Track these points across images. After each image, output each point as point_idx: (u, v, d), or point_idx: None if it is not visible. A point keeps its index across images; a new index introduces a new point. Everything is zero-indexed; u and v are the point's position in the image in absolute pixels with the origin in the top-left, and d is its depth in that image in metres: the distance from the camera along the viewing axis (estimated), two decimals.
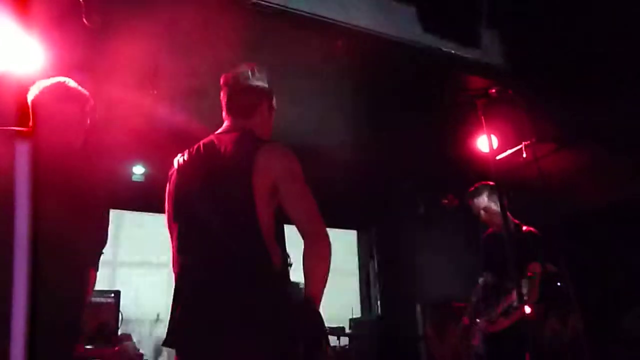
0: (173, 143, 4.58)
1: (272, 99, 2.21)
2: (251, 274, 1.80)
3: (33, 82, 2.36)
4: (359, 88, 4.50)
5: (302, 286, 1.80)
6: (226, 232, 1.86)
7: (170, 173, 2.15)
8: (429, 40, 3.90)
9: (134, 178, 5.70)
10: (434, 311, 6.10)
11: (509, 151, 4.89)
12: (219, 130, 2.15)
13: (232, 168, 1.93)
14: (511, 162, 4.82)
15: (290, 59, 3.81)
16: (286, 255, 1.93)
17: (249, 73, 2.16)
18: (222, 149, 1.99)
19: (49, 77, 2.40)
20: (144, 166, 5.68)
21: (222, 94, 2.19)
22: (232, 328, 1.74)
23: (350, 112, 4.94)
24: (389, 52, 3.92)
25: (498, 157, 4.68)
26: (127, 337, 5.61)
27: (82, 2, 2.81)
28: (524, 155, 4.73)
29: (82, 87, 2.46)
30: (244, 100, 2.13)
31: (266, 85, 2.18)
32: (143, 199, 5.83)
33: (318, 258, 1.81)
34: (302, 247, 1.82)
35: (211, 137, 2.11)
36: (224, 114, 2.17)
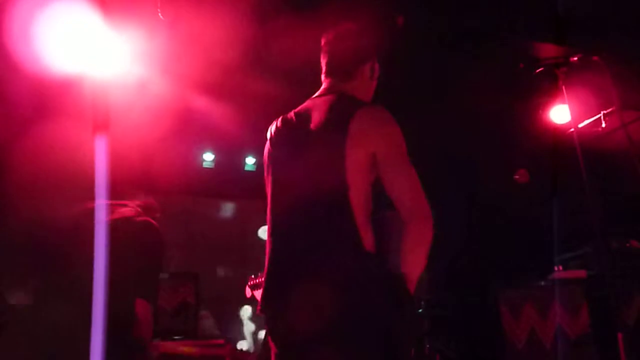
0: (241, 130, 4.73)
1: (375, 60, 1.97)
2: (336, 260, 1.62)
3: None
4: (427, 61, 4.37)
5: None
6: (314, 209, 1.68)
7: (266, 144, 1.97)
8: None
9: (205, 165, 5.87)
10: (509, 292, 5.93)
11: (588, 121, 4.61)
12: (315, 94, 1.95)
13: (324, 135, 1.73)
14: (589, 132, 4.55)
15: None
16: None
17: (351, 32, 1.98)
18: (315, 114, 1.80)
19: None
20: (213, 153, 5.83)
21: (321, 55, 2.00)
22: (310, 318, 1.57)
23: (421, 86, 4.81)
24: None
25: (580, 125, 4.41)
26: (206, 314, 5.86)
27: None
28: (603, 124, 4.45)
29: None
30: (345, 60, 1.93)
31: (370, 45, 1.98)
32: (213, 185, 6.05)
33: (419, 241, 1.61)
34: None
35: (307, 102, 1.93)
36: (322, 76, 1.98)
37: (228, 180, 6.01)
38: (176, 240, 5.71)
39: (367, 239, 1.65)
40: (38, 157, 2.70)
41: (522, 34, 3.89)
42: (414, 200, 1.64)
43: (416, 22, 3.74)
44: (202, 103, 4.33)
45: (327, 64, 1.97)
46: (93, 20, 2.64)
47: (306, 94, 4.28)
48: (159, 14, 2.88)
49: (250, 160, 6.00)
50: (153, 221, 2.27)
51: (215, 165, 5.89)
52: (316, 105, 1.85)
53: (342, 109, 1.75)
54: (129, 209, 2.30)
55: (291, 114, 1.91)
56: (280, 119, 1.94)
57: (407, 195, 1.65)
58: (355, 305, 1.57)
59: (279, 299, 1.69)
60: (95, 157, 2.03)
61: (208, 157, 5.84)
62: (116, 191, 2.08)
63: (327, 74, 1.96)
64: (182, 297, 4.32)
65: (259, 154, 5.97)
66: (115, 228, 1.99)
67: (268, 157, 1.91)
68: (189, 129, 4.69)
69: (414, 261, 1.62)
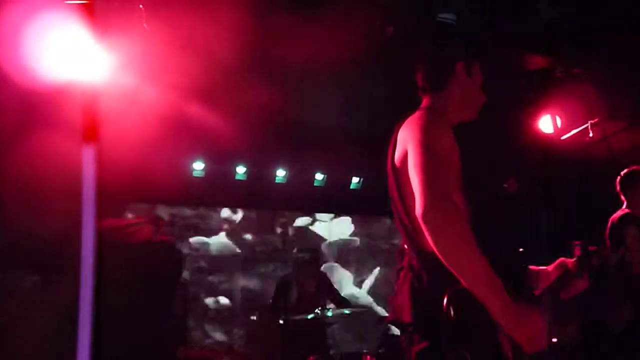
0: (231, 139, 4.73)
1: (470, 62, 1.82)
2: (409, 259, 1.66)
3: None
4: (408, 72, 4.38)
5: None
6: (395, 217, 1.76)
7: None
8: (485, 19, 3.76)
9: (195, 174, 5.85)
10: None
11: (574, 131, 4.67)
12: None
13: (389, 152, 1.77)
14: (577, 142, 4.61)
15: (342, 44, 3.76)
16: None
17: (432, 42, 1.90)
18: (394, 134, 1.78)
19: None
20: (203, 162, 5.82)
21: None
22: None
23: (405, 96, 4.83)
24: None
25: (563, 137, 4.47)
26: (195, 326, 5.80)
27: (142, 8, 2.87)
28: (590, 134, 4.51)
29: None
30: (429, 73, 1.83)
31: (459, 48, 1.85)
32: (203, 194, 6.03)
33: (436, 247, 1.47)
34: None
35: None
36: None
37: (218, 189, 5.99)
38: None
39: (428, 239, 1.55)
40: (26, 167, 2.69)
41: (510, 46, 3.93)
42: (418, 197, 1.52)
43: (407, 32, 3.76)
44: (192, 111, 4.33)
45: (418, 82, 1.89)
46: (81, 28, 2.64)
47: (298, 102, 4.29)
48: (144, 25, 2.89)
49: (240, 170, 5.98)
50: (168, 239, 2.35)
51: (205, 174, 5.88)
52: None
53: (403, 122, 1.76)
54: (147, 229, 2.34)
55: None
56: None
57: (416, 192, 1.54)
58: (418, 304, 1.58)
59: None
60: (83, 167, 2.02)
61: (198, 166, 5.83)
62: (105, 201, 2.07)
63: (420, 92, 1.89)
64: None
65: (249, 163, 5.96)
66: (139, 251, 2.07)
67: None
68: (178, 137, 4.68)
69: (458, 271, 1.46)
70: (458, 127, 1.75)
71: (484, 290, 1.43)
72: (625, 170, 3.64)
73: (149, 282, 2.20)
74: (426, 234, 1.49)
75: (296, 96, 4.15)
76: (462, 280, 1.46)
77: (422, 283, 1.58)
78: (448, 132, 1.68)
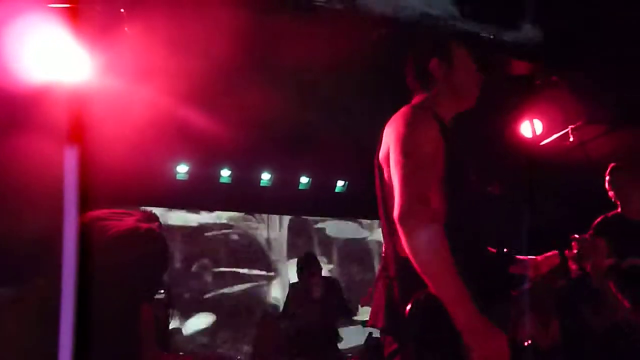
0: (215, 142, 4.72)
1: (448, 54, 1.77)
2: (385, 262, 1.66)
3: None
4: (395, 75, 4.42)
5: None
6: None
7: None
8: (468, 25, 3.80)
9: (178, 177, 5.83)
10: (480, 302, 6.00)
11: (554, 136, 4.75)
12: None
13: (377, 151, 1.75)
14: (559, 146, 4.68)
15: (326, 51, 3.78)
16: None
17: (411, 45, 1.89)
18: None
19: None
20: (187, 165, 5.80)
21: None
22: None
23: (387, 101, 4.86)
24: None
25: (543, 143, 4.55)
26: (177, 329, 5.79)
27: (124, 12, 2.86)
28: (571, 139, 4.59)
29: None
30: (412, 73, 1.85)
31: (433, 42, 1.84)
32: (187, 197, 6.01)
33: (409, 250, 1.46)
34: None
35: None
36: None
37: (202, 192, 5.98)
38: None
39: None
40: (9, 168, 2.66)
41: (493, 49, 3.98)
42: (398, 202, 1.50)
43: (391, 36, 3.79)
44: (176, 114, 4.31)
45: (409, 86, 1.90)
46: (65, 31, 2.63)
47: (283, 104, 4.30)
48: (125, 28, 2.88)
49: (225, 173, 5.96)
50: (155, 228, 2.31)
51: (189, 177, 5.85)
52: None
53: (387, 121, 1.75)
54: (132, 218, 2.30)
55: None
56: None
57: (396, 196, 1.52)
58: (390, 308, 1.59)
59: None
60: (65, 169, 2.01)
61: (182, 169, 5.80)
62: (88, 203, 2.06)
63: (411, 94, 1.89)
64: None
65: (234, 166, 5.95)
66: (123, 240, 2.03)
67: None
68: (162, 140, 4.66)
69: (429, 280, 1.46)
70: (445, 126, 1.71)
71: (451, 298, 1.44)
72: (607, 171, 3.64)
73: (132, 273, 2.16)
74: (401, 236, 1.49)
75: (281, 99, 4.16)
76: (430, 286, 1.46)
77: (394, 287, 1.59)
78: (432, 128, 1.64)
